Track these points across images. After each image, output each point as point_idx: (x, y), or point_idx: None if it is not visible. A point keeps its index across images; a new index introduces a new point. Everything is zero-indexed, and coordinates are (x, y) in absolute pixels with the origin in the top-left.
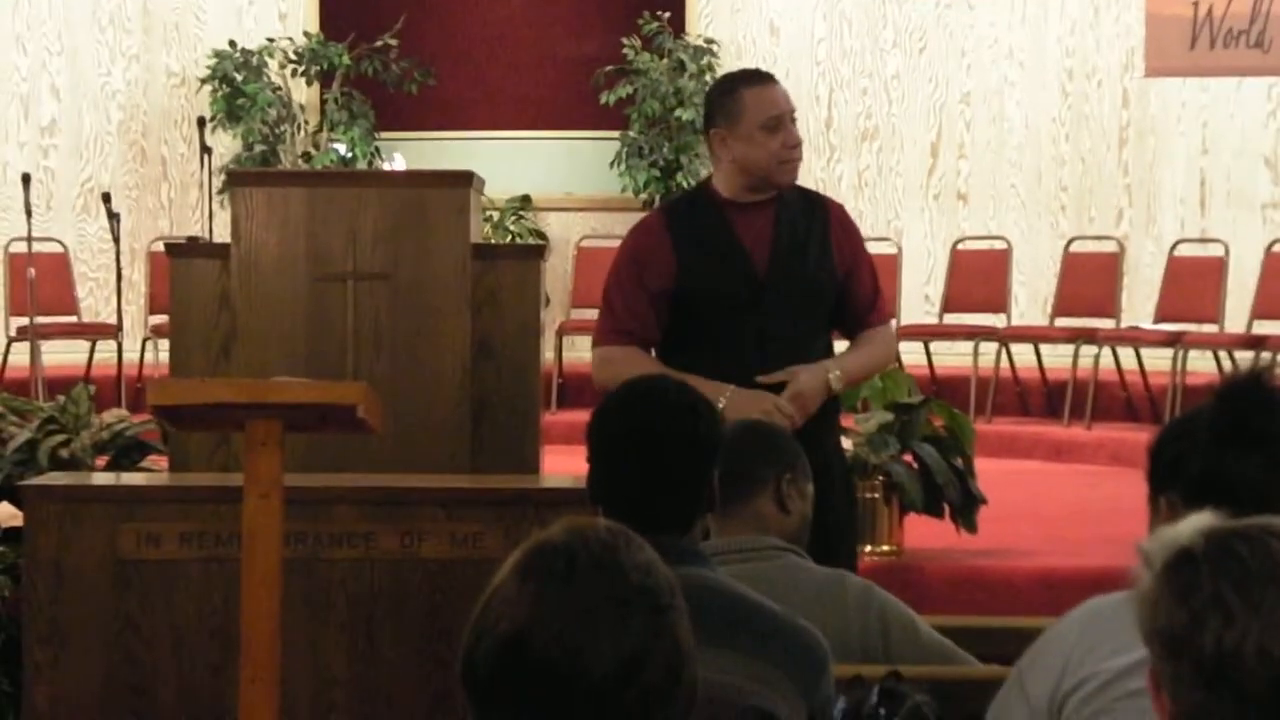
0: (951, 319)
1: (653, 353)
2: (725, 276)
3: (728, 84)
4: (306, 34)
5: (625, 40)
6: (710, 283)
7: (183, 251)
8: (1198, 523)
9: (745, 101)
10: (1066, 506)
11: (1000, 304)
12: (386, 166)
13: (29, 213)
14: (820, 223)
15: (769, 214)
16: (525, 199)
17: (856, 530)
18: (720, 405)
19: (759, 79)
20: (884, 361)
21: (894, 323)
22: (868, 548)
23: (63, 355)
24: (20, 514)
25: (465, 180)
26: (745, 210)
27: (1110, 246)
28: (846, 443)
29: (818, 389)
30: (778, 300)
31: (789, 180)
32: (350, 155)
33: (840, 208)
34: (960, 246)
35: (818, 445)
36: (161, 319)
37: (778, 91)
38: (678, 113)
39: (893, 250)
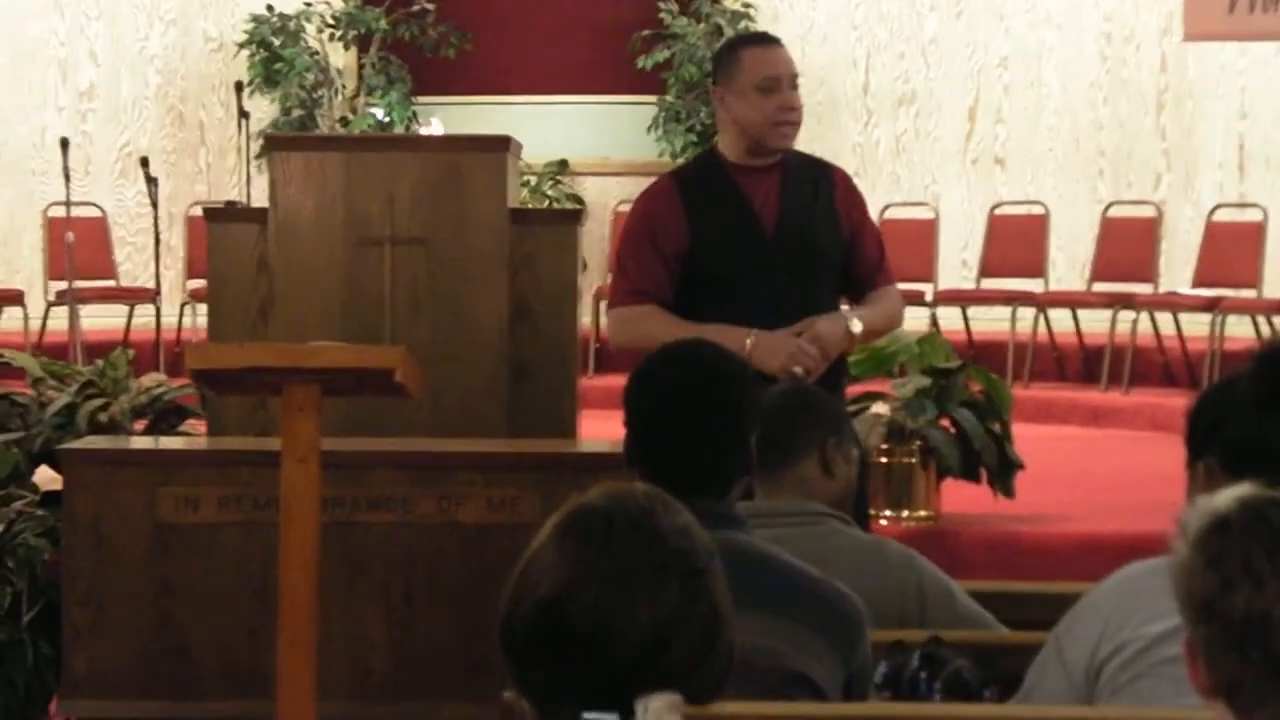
0: (989, 284)
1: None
2: (736, 240)
3: (730, 44)
4: None
5: (662, 4)
6: (721, 246)
7: (220, 216)
8: (1235, 492)
9: (744, 61)
10: (1104, 472)
11: (1038, 269)
12: (424, 131)
13: (67, 177)
14: (826, 188)
15: (775, 178)
16: (562, 164)
17: (866, 491)
18: (746, 349)
19: (761, 40)
20: (895, 318)
21: (931, 289)
22: (905, 513)
23: (101, 320)
24: (59, 478)
25: (502, 145)
26: (752, 174)
27: (1148, 211)
28: (884, 407)
29: (837, 334)
30: (786, 263)
31: (783, 144)
32: (388, 120)
33: (845, 174)
34: (998, 211)
35: None
36: (199, 283)
37: (777, 54)
38: None
39: (930, 215)
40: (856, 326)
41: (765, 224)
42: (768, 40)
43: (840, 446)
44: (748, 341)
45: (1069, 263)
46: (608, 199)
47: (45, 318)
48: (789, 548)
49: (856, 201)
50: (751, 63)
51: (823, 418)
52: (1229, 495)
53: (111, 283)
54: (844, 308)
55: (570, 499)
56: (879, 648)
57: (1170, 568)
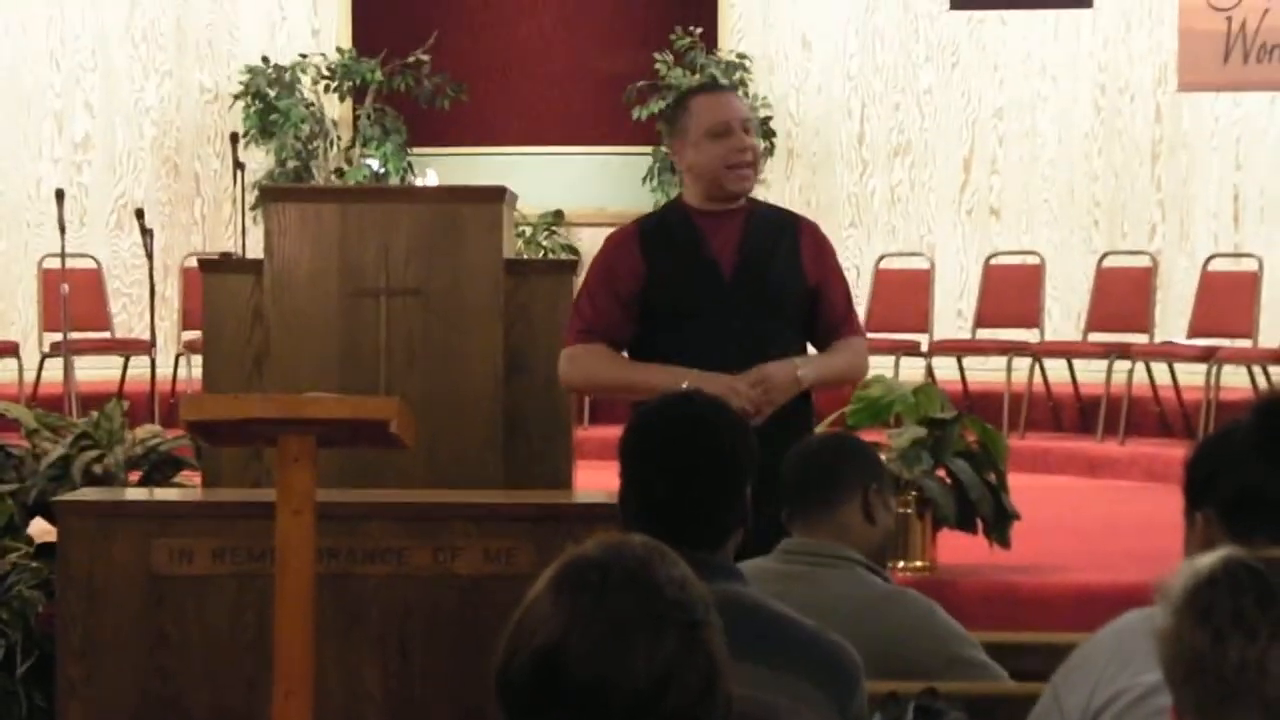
0: (984, 334)
1: (625, 354)
2: (691, 281)
3: (680, 96)
4: (339, 50)
5: (658, 55)
6: (678, 287)
7: (216, 267)
8: (1219, 553)
9: (692, 109)
10: (1100, 522)
11: (1033, 319)
12: (419, 182)
13: (62, 229)
14: (790, 235)
15: (737, 223)
16: (558, 214)
17: None
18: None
19: (709, 89)
20: (855, 369)
21: (926, 339)
22: (900, 563)
23: (96, 371)
24: (54, 530)
25: (498, 196)
26: (715, 219)
27: (1143, 261)
28: (880, 457)
29: (783, 380)
30: (743, 305)
31: (742, 187)
32: (383, 171)
33: (812, 224)
34: (993, 262)
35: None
36: (194, 335)
37: (726, 99)
38: None
39: (925, 265)
40: (805, 374)
41: (723, 267)
42: (715, 88)
43: (881, 493)
44: (685, 382)
45: (1064, 313)
46: None
47: (40, 369)
48: (806, 586)
49: (823, 252)
50: (700, 110)
51: (864, 464)
52: (1213, 556)
53: (106, 334)
54: (810, 351)
55: (567, 550)
56: (873, 699)
57: (1154, 634)
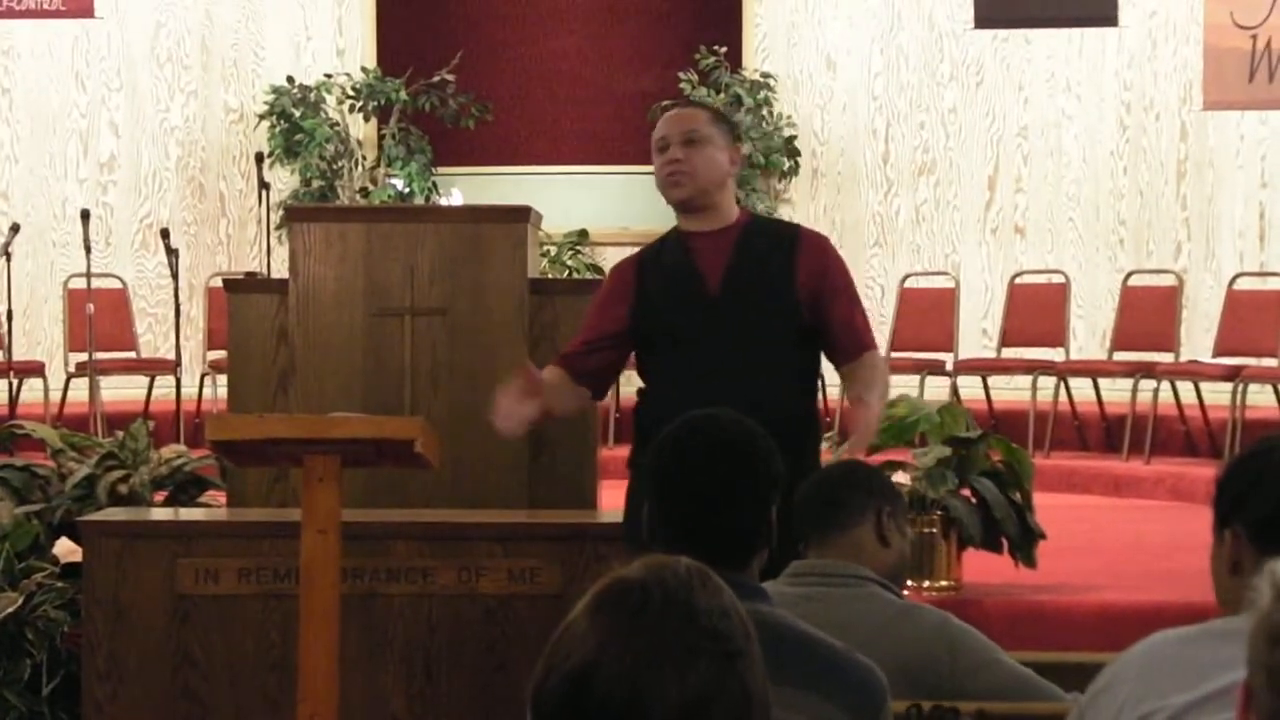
0: (1009, 353)
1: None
2: (678, 300)
3: None
4: (364, 69)
5: (682, 75)
6: (664, 306)
7: (241, 287)
8: None
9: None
10: (1125, 541)
11: (1058, 338)
12: (444, 202)
13: (88, 249)
14: (785, 248)
15: (728, 240)
16: (582, 233)
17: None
18: None
19: (673, 106)
20: (887, 387)
21: (951, 358)
22: (925, 583)
23: (122, 391)
24: (79, 549)
25: (522, 215)
26: (707, 237)
27: (1169, 280)
28: (905, 477)
29: (875, 422)
30: (731, 322)
31: (674, 196)
32: (408, 190)
33: (816, 236)
34: (1018, 280)
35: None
36: (220, 354)
37: (672, 115)
38: None
39: (950, 284)
40: (876, 406)
41: (709, 284)
42: (676, 104)
43: (895, 516)
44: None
45: (1089, 332)
46: None
47: (66, 389)
48: (822, 607)
49: (825, 263)
50: (656, 128)
51: (876, 487)
52: None
53: (132, 354)
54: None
55: (613, 570)
56: (897, 716)
57: (1247, 634)
